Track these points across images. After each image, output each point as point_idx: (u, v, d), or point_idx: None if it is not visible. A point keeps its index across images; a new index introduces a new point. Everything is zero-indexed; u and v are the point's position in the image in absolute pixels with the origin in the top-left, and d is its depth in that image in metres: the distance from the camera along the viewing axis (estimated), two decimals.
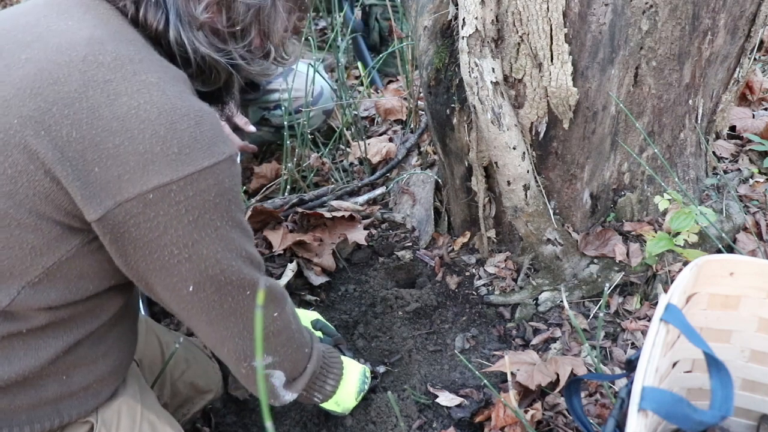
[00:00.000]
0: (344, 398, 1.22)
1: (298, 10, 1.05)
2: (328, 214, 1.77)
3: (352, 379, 1.23)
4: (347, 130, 2.26)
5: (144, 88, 0.80)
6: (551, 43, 1.30)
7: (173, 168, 0.80)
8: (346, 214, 1.80)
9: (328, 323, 1.42)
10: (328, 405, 1.21)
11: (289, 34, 1.05)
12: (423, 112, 2.20)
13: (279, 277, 1.65)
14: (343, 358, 1.25)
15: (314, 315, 1.44)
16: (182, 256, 0.85)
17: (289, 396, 1.09)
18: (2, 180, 0.80)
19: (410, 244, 1.79)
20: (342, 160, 2.24)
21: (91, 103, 0.79)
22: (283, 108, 1.97)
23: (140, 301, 1.32)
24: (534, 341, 1.48)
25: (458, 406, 1.36)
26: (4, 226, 0.81)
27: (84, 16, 0.86)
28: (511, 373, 1.34)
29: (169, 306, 0.93)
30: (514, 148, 1.41)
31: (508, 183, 1.47)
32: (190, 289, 0.88)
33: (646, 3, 1.29)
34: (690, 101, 1.50)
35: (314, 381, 1.14)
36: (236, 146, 0.89)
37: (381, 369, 1.46)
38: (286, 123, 1.97)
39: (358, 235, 1.77)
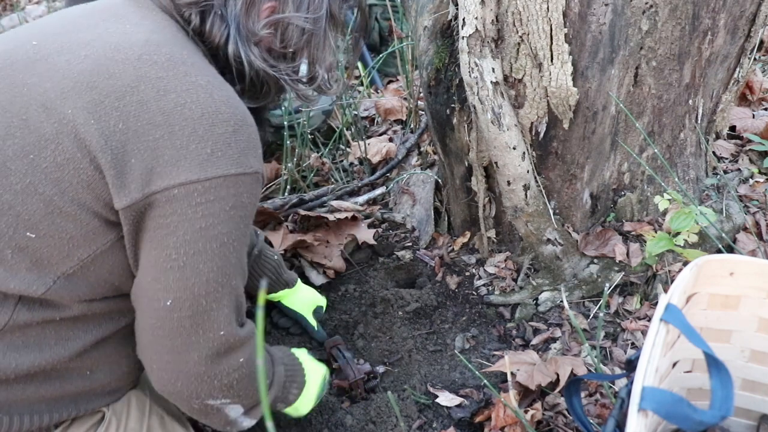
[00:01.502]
0: (304, 405, 1.16)
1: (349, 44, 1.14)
2: (331, 217, 1.78)
3: (313, 387, 1.18)
4: (347, 130, 2.26)
5: (192, 88, 0.84)
6: (551, 43, 1.30)
7: (202, 168, 0.82)
8: (349, 215, 1.80)
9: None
10: (287, 410, 1.16)
11: (336, 64, 1.11)
12: (423, 112, 2.20)
13: None
14: (305, 365, 1.18)
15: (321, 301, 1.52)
16: (177, 263, 0.85)
17: (247, 422, 1.03)
18: (51, 167, 0.83)
19: (410, 244, 1.79)
20: (342, 160, 2.24)
21: (140, 97, 0.83)
22: (282, 108, 1.97)
23: None
24: (534, 341, 1.48)
25: (458, 406, 1.36)
26: (48, 213, 0.84)
27: (142, 21, 0.92)
28: (511, 373, 1.34)
29: (141, 320, 0.91)
30: (514, 148, 1.41)
31: (508, 183, 1.47)
32: (168, 303, 0.86)
33: (646, 3, 1.29)
34: (690, 101, 1.50)
35: (275, 401, 1.10)
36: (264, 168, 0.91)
37: (381, 369, 1.46)
38: (285, 123, 1.97)
39: (365, 234, 1.77)
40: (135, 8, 0.95)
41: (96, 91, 0.83)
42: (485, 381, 1.29)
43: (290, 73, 1.05)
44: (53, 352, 0.89)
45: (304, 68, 1.06)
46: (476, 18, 1.31)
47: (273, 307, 1.55)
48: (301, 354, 1.20)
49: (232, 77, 1.00)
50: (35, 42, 0.89)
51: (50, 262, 0.86)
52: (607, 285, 1.50)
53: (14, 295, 0.87)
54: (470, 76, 1.36)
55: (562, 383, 1.31)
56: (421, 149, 2.08)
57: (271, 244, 1.72)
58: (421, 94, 1.86)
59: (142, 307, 0.91)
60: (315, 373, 1.20)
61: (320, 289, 1.68)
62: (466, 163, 1.60)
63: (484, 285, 1.61)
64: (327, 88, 1.11)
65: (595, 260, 1.55)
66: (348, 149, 2.24)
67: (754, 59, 1.58)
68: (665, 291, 0.93)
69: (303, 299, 1.52)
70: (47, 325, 0.89)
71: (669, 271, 1.52)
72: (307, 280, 1.67)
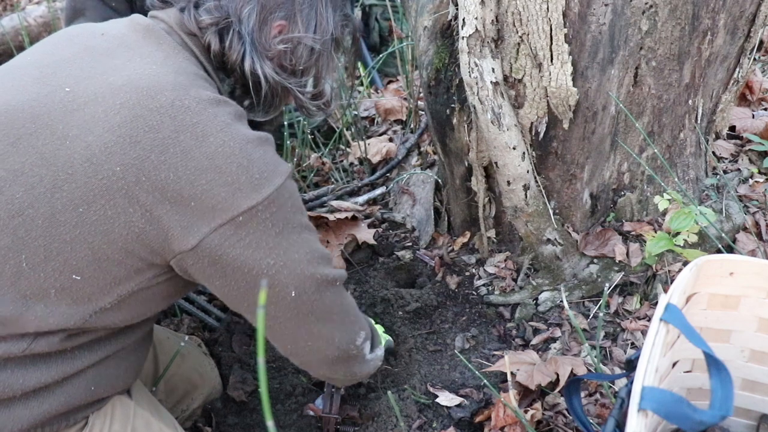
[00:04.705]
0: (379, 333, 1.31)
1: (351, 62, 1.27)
2: (331, 216, 1.78)
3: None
4: (347, 130, 2.26)
5: (225, 127, 0.92)
6: (551, 44, 1.30)
7: (257, 191, 0.91)
8: (349, 214, 1.80)
9: None
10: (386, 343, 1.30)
11: (336, 81, 1.21)
12: (423, 112, 2.20)
13: None
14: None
15: None
16: (279, 265, 0.94)
17: (380, 353, 1.18)
18: (101, 220, 0.89)
19: (410, 244, 1.79)
20: (342, 160, 2.24)
21: (183, 147, 0.89)
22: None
23: None
24: (534, 341, 1.48)
25: (458, 405, 1.36)
26: (95, 260, 0.90)
27: (166, 61, 0.97)
28: (511, 373, 1.34)
29: (283, 330, 1.00)
30: (514, 148, 1.41)
31: (508, 183, 1.47)
32: (293, 294, 0.96)
33: (646, 3, 1.30)
34: (690, 101, 1.50)
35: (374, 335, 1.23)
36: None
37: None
38: (286, 122, 1.97)
39: (365, 234, 1.78)
40: (156, 45, 0.99)
41: (140, 147, 0.88)
42: (485, 381, 1.30)
43: (299, 88, 1.13)
44: (59, 369, 0.94)
45: (310, 85, 1.14)
46: (476, 18, 1.31)
47: None
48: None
49: (242, 94, 1.09)
50: (68, 89, 0.93)
51: (90, 299, 0.92)
52: (607, 285, 1.51)
53: (38, 331, 0.91)
54: (470, 76, 1.36)
55: (562, 383, 1.31)
56: (421, 149, 2.08)
57: None
58: (421, 94, 1.86)
59: (268, 312, 0.98)
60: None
61: None
62: (466, 163, 1.60)
63: (484, 285, 1.62)
64: (327, 106, 1.20)
65: (595, 260, 1.55)
66: (348, 149, 2.24)
67: (754, 59, 1.58)
68: (665, 291, 0.93)
69: None
70: (61, 353, 0.94)
71: (669, 271, 1.52)
72: None
